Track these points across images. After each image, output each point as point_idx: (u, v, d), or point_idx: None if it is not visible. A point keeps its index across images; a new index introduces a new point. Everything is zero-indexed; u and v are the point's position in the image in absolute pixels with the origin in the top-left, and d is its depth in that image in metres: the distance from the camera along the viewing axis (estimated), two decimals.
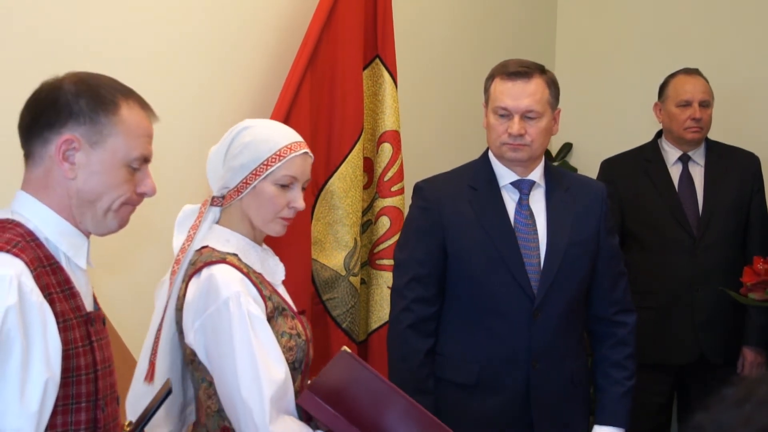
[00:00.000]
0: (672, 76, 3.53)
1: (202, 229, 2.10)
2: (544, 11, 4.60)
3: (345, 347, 1.98)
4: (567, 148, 4.60)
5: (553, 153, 4.58)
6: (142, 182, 1.72)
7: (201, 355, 1.99)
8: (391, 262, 3.23)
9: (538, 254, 2.52)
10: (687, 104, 3.43)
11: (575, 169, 4.53)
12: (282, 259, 2.95)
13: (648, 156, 3.56)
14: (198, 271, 2.01)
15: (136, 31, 2.67)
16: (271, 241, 2.95)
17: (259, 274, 2.08)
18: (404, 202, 3.28)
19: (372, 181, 3.26)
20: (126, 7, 2.64)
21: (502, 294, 2.50)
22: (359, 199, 3.14)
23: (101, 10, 2.57)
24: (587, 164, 4.36)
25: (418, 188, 2.64)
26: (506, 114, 2.49)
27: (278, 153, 2.05)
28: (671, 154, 3.53)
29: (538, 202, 2.57)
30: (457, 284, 2.55)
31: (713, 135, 3.55)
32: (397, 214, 3.25)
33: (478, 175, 2.60)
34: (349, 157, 3.10)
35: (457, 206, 2.55)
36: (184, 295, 2.03)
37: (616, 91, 4.48)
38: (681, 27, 4.32)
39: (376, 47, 3.24)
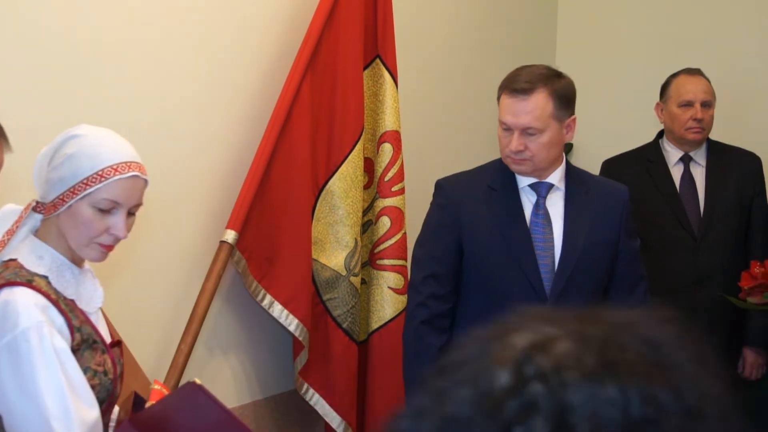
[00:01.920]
0: (674, 76, 3.52)
1: (19, 235, 1.85)
2: (544, 11, 4.59)
3: (196, 379, 1.87)
4: (567, 148, 4.59)
5: None
6: None
7: None
8: (391, 262, 3.24)
9: (553, 256, 2.54)
10: (689, 104, 3.43)
11: None
12: (283, 260, 2.98)
13: (649, 156, 3.55)
14: None
15: (137, 31, 2.66)
16: (269, 243, 2.95)
17: (71, 300, 1.83)
18: (404, 202, 3.28)
19: (372, 181, 3.26)
20: (126, 7, 2.63)
21: (515, 295, 2.51)
22: (360, 199, 3.14)
23: (100, 10, 2.56)
24: (588, 164, 4.32)
25: (439, 186, 2.67)
26: (508, 128, 2.51)
27: (101, 173, 1.79)
28: (672, 154, 3.52)
29: (556, 205, 2.59)
30: (472, 283, 2.58)
31: (715, 135, 3.54)
32: (397, 214, 3.25)
33: (497, 176, 2.62)
34: (350, 157, 3.10)
35: (476, 206, 2.58)
36: None
37: (617, 91, 4.47)
38: (683, 27, 4.31)
39: (377, 47, 3.23)
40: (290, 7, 3.13)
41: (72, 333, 1.78)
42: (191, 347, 2.73)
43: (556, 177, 2.59)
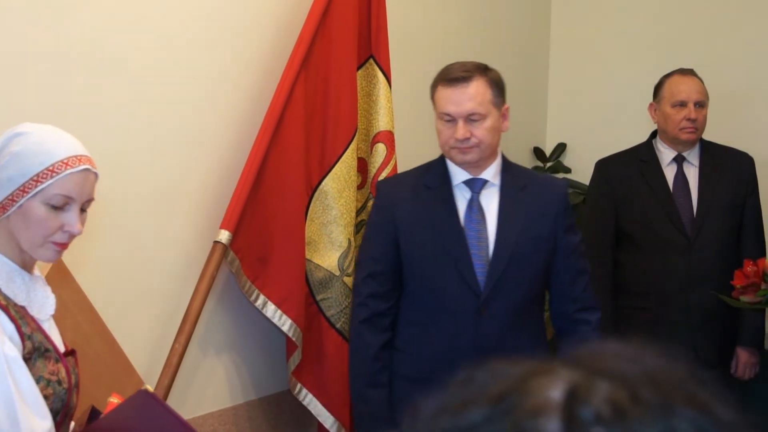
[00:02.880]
0: (667, 76, 3.52)
1: None
2: (538, 12, 4.59)
3: (147, 386, 1.87)
4: (561, 148, 4.60)
5: (547, 153, 4.58)
6: None
7: None
8: None
9: (488, 251, 2.57)
10: (682, 104, 3.43)
11: (569, 170, 4.54)
12: (276, 260, 2.98)
13: (642, 156, 3.55)
14: None
15: (130, 32, 2.66)
16: (262, 243, 2.94)
17: (22, 307, 1.76)
18: None
19: (366, 182, 3.26)
20: (119, 8, 2.62)
21: (450, 290, 2.57)
22: (353, 199, 3.14)
23: (94, 11, 2.56)
24: (581, 164, 4.36)
25: (377, 188, 2.75)
26: (451, 119, 2.54)
27: (51, 168, 1.72)
28: (666, 154, 3.53)
29: (490, 201, 2.62)
30: (410, 281, 2.63)
31: (707, 135, 3.55)
32: None
33: (433, 175, 2.66)
34: (343, 157, 3.10)
35: (411, 205, 2.63)
36: None
37: (610, 91, 4.48)
38: (676, 27, 4.32)
39: (370, 47, 3.23)
40: (284, 8, 3.13)
41: (23, 340, 1.71)
42: (185, 347, 2.73)
43: (491, 172, 2.62)
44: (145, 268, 2.75)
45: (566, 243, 2.66)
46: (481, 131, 2.54)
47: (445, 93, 2.55)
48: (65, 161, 1.75)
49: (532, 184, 2.67)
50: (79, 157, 1.77)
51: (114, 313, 2.61)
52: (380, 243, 2.64)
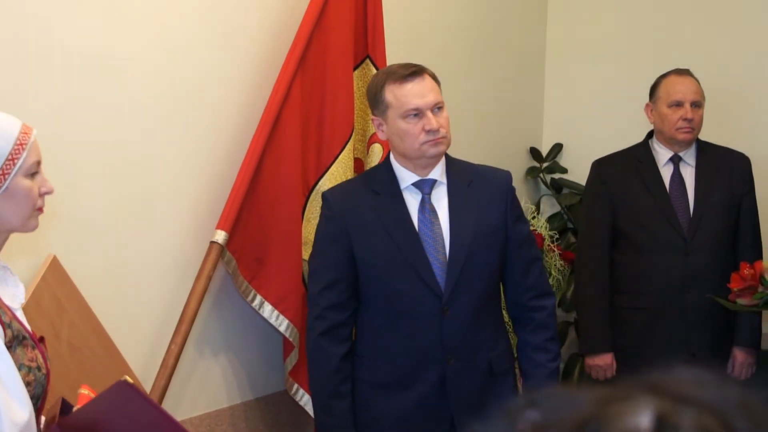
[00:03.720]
0: (663, 76, 3.52)
1: None
2: (534, 12, 4.59)
3: (126, 377, 1.84)
4: (557, 148, 4.60)
5: (543, 153, 4.58)
6: None
7: None
8: None
9: (444, 251, 2.57)
10: (678, 105, 3.43)
11: (566, 170, 4.54)
12: (273, 260, 2.97)
13: (639, 156, 3.56)
14: None
15: (126, 32, 2.65)
16: (259, 244, 2.94)
17: None
18: None
19: None
20: (116, 9, 2.62)
21: (411, 294, 2.56)
22: None
23: (91, 12, 2.55)
24: (578, 164, 4.37)
25: (324, 198, 2.70)
26: (418, 113, 2.52)
27: (19, 143, 1.78)
28: (662, 154, 3.53)
29: (440, 200, 2.62)
30: (368, 288, 2.61)
31: (704, 136, 3.55)
32: None
33: (380, 180, 2.65)
34: (340, 157, 3.09)
35: (361, 213, 2.61)
36: None
37: (606, 91, 4.48)
38: (672, 27, 4.32)
39: (367, 48, 3.23)
40: (280, 8, 3.12)
41: (4, 329, 1.73)
42: (181, 348, 2.73)
43: (438, 171, 2.62)
44: (141, 268, 2.75)
45: (516, 233, 2.65)
46: (445, 120, 2.55)
47: (405, 89, 2.53)
48: (23, 131, 1.80)
49: (477, 178, 2.66)
50: (24, 125, 1.82)
51: (111, 313, 2.61)
52: (334, 253, 2.60)
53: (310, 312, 2.67)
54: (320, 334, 2.60)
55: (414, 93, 2.52)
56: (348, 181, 2.81)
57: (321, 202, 2.73)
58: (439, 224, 2.59)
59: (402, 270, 2.56)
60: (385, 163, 2.69)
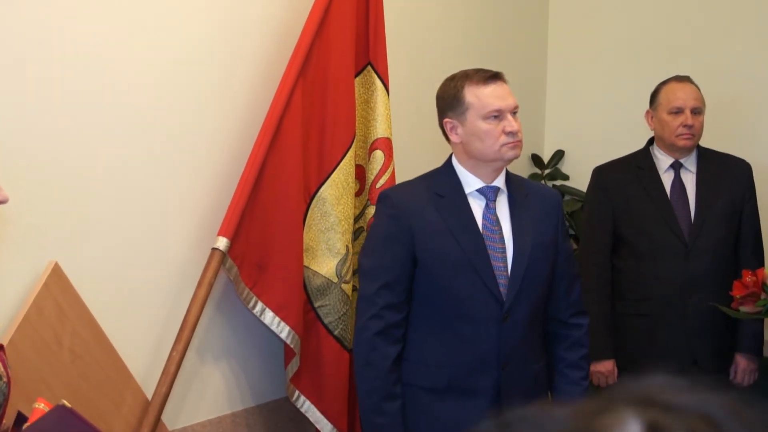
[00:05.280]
0: (663, 83, 3.53)
1: None
2: (535, 18, 4.60)
3: (64, 401, 1.81)
4: (559, 155, 4.60)
5: (545, 160, 4.59)
6: None
7: None
8: None
9: (505, 259, 2.58)
10: (679, 111, 3.44)
11: (567, 177, 4.54)
12: (274, 267, 2.97)
13: (640, 163, 3.56)
14: None
15: (127, 38, 2.66)
16: (260, 250, 2.94)
17: None
18: None
19: (364, 189, 3.26)
20: (117, 14, 2.63)
21: (472, 299, 2.55)
22: (351, 206, 3.14)
23: (91, 14, 2.56)
24: (579, 171, 4.37)
25: (385, 196, 2.68)
26: (499, 115, 2.54)
27: None
28: (663, 161, 3.53)
29: (502, 208, 2.63)
30: (427, 290, 2.59)
31: (704, 142, 3.55)
32: None
33: (443, 183, 2.64)
34: (341, 164, 3.10)
35: (425, 213, 2.59)
36: None
37: (607, 98, 4.49)
38: (673, 34, 4.33)
39: (368, 54, 3.24)
40: (282, 15, 3.13)
41: None
42: (183, 355, 2.73)
43: (501, 180, 2.64)
44: (142, 275, 2.75)
45: (565, 249, 2.71)
46: (520, 125, 2.57)
47: (487, 90, 2.55)
48: None
49: (532, 192, 2.71)
50: None
51: (112, 320, 2.61)
52: (395, 252, 2.58)
53: (363, 311, 2.61)
54: (376, 333, 2.55)
55: (496, 95, 2.55)
56: (407, 182, 2.76)
57: (379, 202, 2.70)
58: (501, 231, 2.59)
59: (465, 274, 2.54)
60: (447, 168, 2.66)
